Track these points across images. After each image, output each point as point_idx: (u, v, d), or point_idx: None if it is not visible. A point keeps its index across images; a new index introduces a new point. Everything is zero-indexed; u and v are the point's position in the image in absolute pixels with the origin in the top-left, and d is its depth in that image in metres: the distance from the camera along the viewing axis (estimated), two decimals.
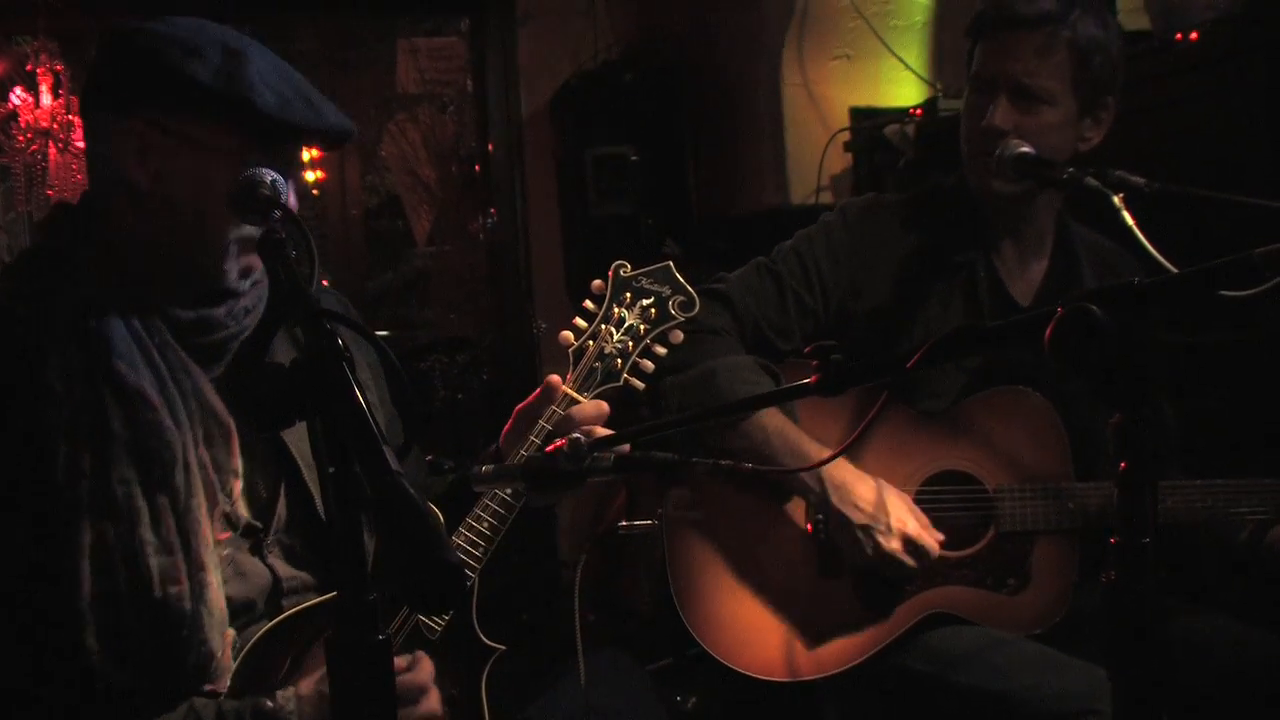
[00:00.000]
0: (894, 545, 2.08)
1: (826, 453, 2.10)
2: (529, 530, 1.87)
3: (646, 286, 1.88)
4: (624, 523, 2.31)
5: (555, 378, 1.83)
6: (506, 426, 1.88)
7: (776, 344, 2.28)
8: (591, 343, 1.85)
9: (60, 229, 1.75)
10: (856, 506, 2.09)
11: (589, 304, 1.87)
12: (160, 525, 1.59)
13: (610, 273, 1.87)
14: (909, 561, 2.09)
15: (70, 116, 5.03)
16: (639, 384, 1.88)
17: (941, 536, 2.13)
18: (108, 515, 1.57)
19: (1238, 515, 2.12)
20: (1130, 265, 2.34)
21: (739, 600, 2.19)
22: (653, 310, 1.87)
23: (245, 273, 1.71)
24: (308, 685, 1.62)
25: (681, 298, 1.89)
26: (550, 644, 1.95)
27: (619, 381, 1.86)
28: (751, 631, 2.17)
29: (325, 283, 2.01)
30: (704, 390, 2.15)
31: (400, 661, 1.72)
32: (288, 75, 1.67)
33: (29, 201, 5.04)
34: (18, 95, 4.99)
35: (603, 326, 1.85)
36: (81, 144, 5.01)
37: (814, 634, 2.16)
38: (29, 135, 5.01)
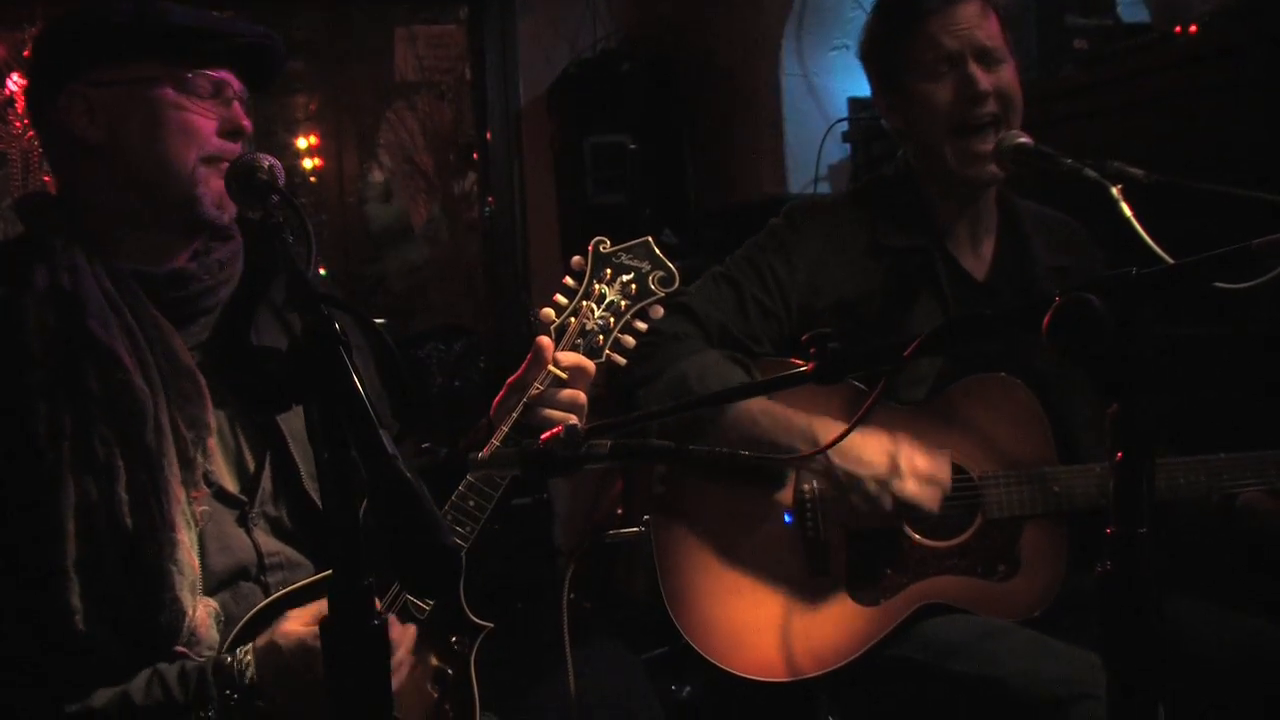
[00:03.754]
0: (910, 488, 2.08)
1: (819, 420, 2.13)
2: (526, 519, 1.86)
3: (626, 262, 1.87)
4: (611, 530, 2.30)
5: (545, 339, 1.82)
6: (498, 397, 1.88)
7: (747, 346, 2.29)
8: (573, 319, 1.84)
9: (39, 217, 1.79)
10: (862, 461, 2.09)
11: (569, 280, 1.86)
12: (135, 484, 1.61)
13: (589, 248, 1.86)
14: (927, 502, 2.09)
15: None
16: (620, 360, 1.88)
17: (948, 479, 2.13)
18: (89, 473, 1.59)
19: (1225, 490, 2.11)
20: (1079, 235, 2.40)
21: (731, 602, 2.19)
22: (633, 286, 1.86)
23: (219, 202, 1.74)
24: (263, 638, 1.62)
25: (661, 273, 1.88)
26: (545, 633, 1.95)
27: (601, 358, 1.85)
28: (745, 633, 2.17)
29: (322, 270, 2.03)
30: (679, 394, 2.16)
31: None
32: (202, 9, 1.76)
33: (25, 187, 5.04)
34: (14, 81, 4.98)
35: (583, 303, 1.85)
36: None
37: (807, 632, 2.16)
38: (25, 122, 5.01)
